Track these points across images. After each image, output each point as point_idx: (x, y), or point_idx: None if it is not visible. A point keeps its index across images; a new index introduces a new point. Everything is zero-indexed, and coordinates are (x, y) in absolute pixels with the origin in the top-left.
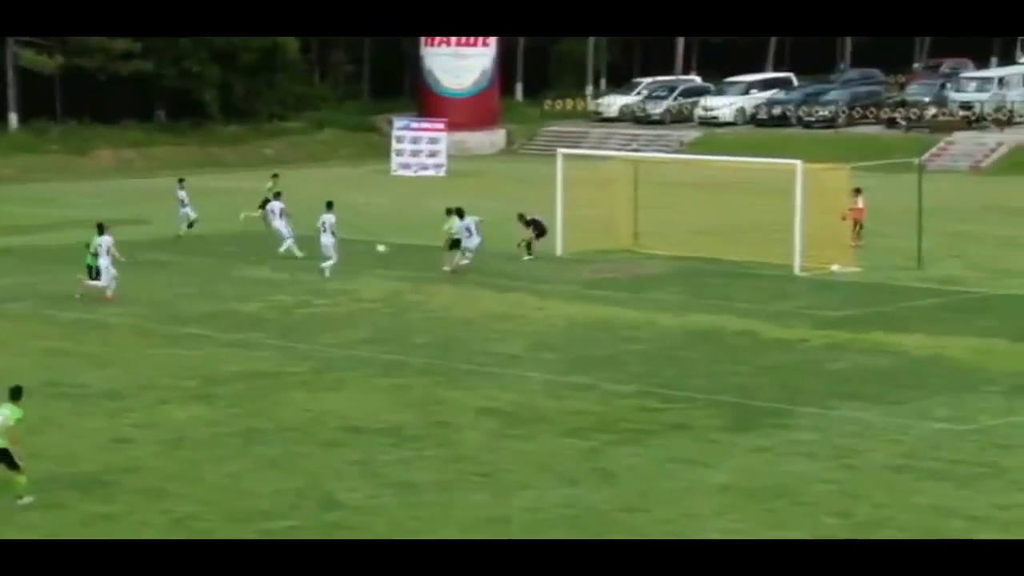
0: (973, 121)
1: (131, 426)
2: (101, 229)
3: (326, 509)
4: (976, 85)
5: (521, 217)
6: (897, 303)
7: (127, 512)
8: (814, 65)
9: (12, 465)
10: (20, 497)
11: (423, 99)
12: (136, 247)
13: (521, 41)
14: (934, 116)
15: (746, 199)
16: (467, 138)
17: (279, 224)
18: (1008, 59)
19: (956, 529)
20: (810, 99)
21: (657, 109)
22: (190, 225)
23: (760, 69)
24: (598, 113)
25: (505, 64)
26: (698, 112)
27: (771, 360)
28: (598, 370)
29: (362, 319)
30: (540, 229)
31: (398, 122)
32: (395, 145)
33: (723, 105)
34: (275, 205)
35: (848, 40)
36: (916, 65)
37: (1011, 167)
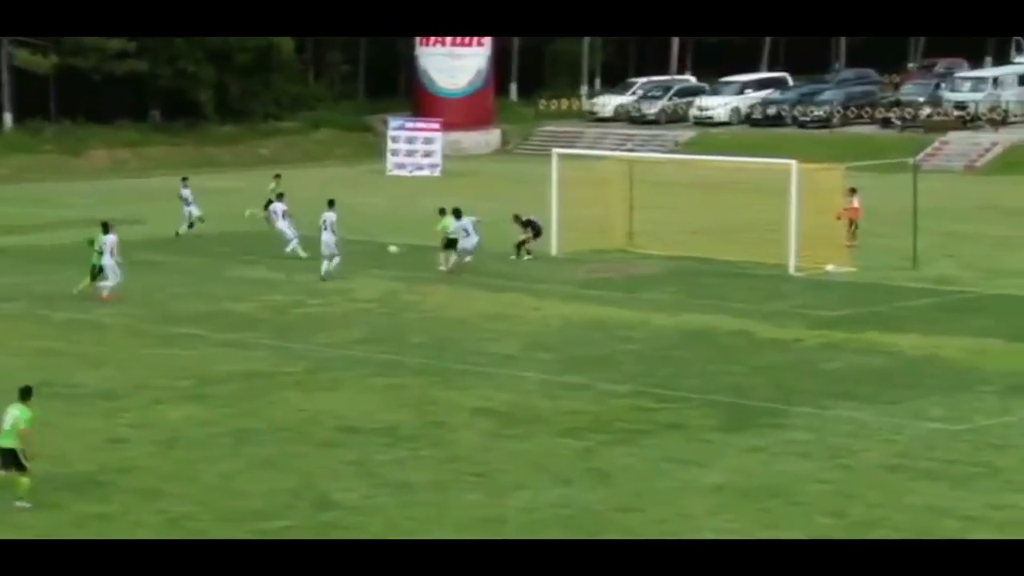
0: (968, 121)
1: (125, 426)
2: (106, 228)
3: (321, 509)
4: (971, 85)
5: (517, 218)
6: (892, 303)
7: (122, 512)
8: (809, 65)
9: (19, 467)
10: (20, 499)
11: (418, 99)
12: (130, 247)
13: (516, 41)
14: (929, 116)
15: (741, 199)
16: (462, 138)
17: (282, 225)
18: (1002, 59)
19: (950, 529)
20: (805, 99)
21: (652, 109)
22: (191, 224)
23: (755, 69)
24: (593, 113)
25: (500, 64)
26: (693, 112)
27: (766, 360)
28: (593, 370)
29: (357, 319)
30: (536, 230)
31: (393, 122)
32: (390, 145)
33: (718, 105)
34: (277, 207)
35: (843, 40)
36: (911, 65)
37: (1005, 167)
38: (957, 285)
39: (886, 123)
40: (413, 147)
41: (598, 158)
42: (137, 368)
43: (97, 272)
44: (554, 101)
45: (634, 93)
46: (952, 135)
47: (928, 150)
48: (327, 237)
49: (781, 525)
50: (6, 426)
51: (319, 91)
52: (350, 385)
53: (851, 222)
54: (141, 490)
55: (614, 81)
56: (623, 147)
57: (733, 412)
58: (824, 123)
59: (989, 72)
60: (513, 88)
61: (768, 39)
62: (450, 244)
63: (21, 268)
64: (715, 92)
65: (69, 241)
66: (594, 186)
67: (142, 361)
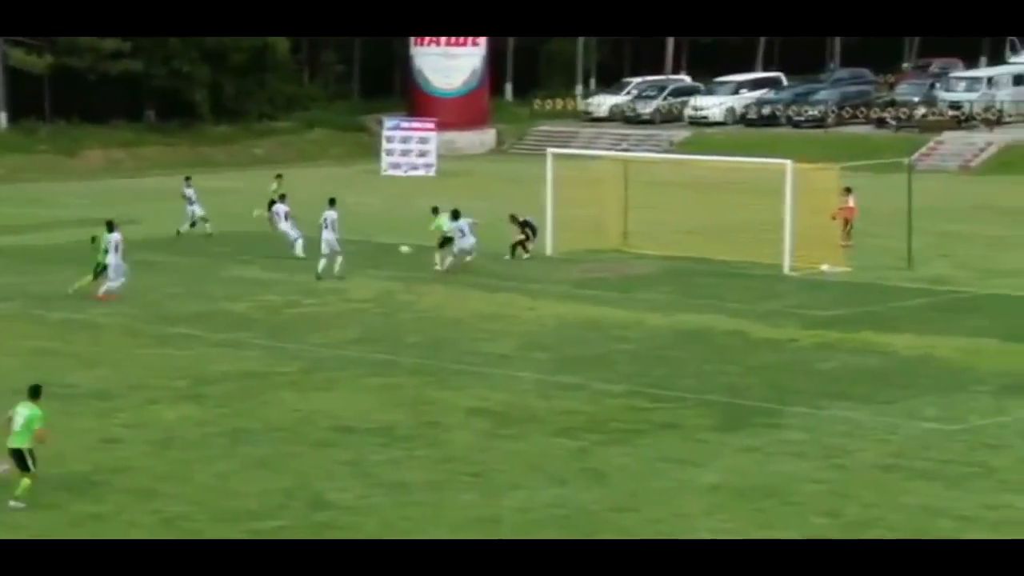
0: (962, 121)
1: (120, 426)
2: (111, 226)
3: (315, 509)
4: (965, 85)
5: (513, 218)
6: (887, 303)
7: (116, 512)
8: (804, 65)
9: (24, 467)
10: (16, 498)
11: (413, 99)
12: (126, 247)
13: (511, 41)
14: (923, 116)
15: (736, 199)
16: (457, 138)
17: (285, 226)
18: (997, 59)
19: (945, 529)
20: (800, 99)
21: (647, 109)
22: (193, 224)
23: (750, 69)
24: (588, 113)
25: (495, 64)
26: (688, 112)
27: (761, 360)
28: (588, 370)
29: (352, 319)
30: (533, 230)
31: (388, 122)
32: (385, 145)
33: (713, 105)
34: (280, 208)
35: (837, 40)
36: (905, 65)
37: (1000, 167)
38: (952, 285)
39: (881, 123)
40: (408, 147)
41: (593, 158)
42: (132, 368)
43: (101, 271)
44: (549, 101)
45: (629, 93)
46: (947, 135)
47: (923, 150)
48: (328, 236)
49: (776, 525)
50: (16, 427)
51: (314, 91)
52: (345, 385)
53: (846, 222)
54: (136, 490)
55: (609, 81)
56: (618, 147)
57: (728, 412)
58: (819, 123)
59: (984, 72)
60: (508, 88)
61: (763, 39)
62: (445, 243)
63: (16, 268)
64: (710, 92)
65: (64, 241)
66: (589, 186)
67: (137, 361)
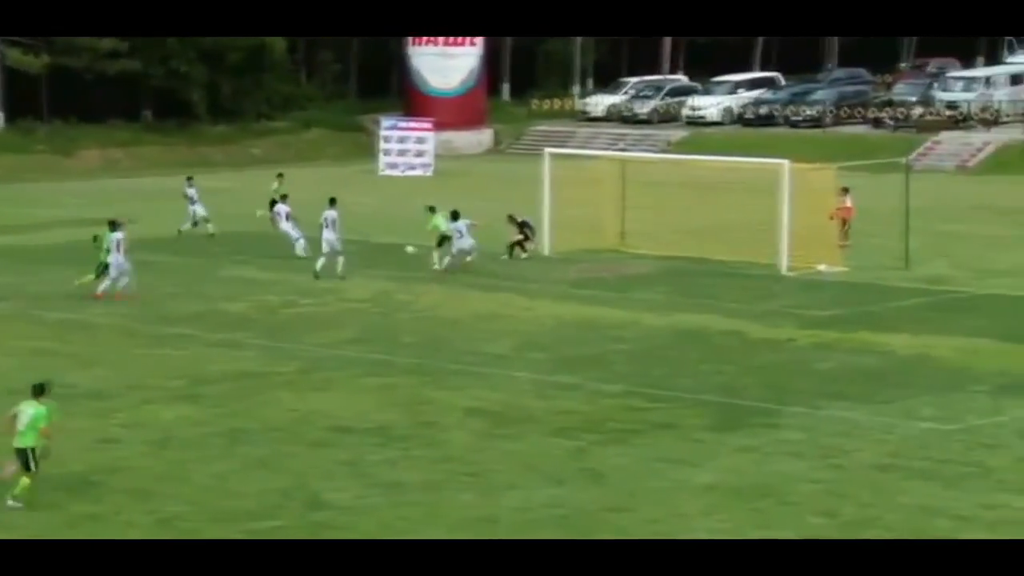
0: (960, 121)
1: (117, 426)
2: (113, 225)
3: (312, 509)
4: (962, 85)
5: (512, 218)
6: (884, 303)
7: (113, 512)
8: (801, 65)
9: (26, 467)
10: (15, 498)
11: (410, 99)
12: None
13: (508, 41)
14: (921, 116)
15: (733, 199)
16: (454, 138)
17: (286, 226)
18: (994, 59)
19: (942, 529)
20: (797, 99)
21: (644, 108)
22: (195, 223)
23: (747, 69)
24: (585, 113)
25: (492, 64)
26: (685, 112)
27: (758, 360)
28: (585, 370)
29: (349, 319)
30: (532, 230)
31: (385, 122)
32: (382, 145)
33: (710, 105)
34: (281, 208)
35: (835, 40)
36: (903, 65)
37: (997, 167)
38: (949, 285)
39: (878, 123)
40: (405, 147)
41: (590, 158)
42: (129, 368)
43: (103, 270)
44: (546, 101)
45: (626, 93)
46: (944, 135)
47: (920, 150)
48: (328, 235)
49: (773, 525)
50: (21, 426)
51: (311, 91)
52: (342, 385)
53: (843, 222)
54: (133, 490)
55: (606, 81)
56: (615, 147)
57: (725, 412)
58: (816, 123)
59: (981, 72)
60: (505, 88)
61: (760, 39)
62: (442, 242)
63: (13, 268)
64: (707, 92)
65: (62, 241)
66: (586, 186)
67: (135, 361)
